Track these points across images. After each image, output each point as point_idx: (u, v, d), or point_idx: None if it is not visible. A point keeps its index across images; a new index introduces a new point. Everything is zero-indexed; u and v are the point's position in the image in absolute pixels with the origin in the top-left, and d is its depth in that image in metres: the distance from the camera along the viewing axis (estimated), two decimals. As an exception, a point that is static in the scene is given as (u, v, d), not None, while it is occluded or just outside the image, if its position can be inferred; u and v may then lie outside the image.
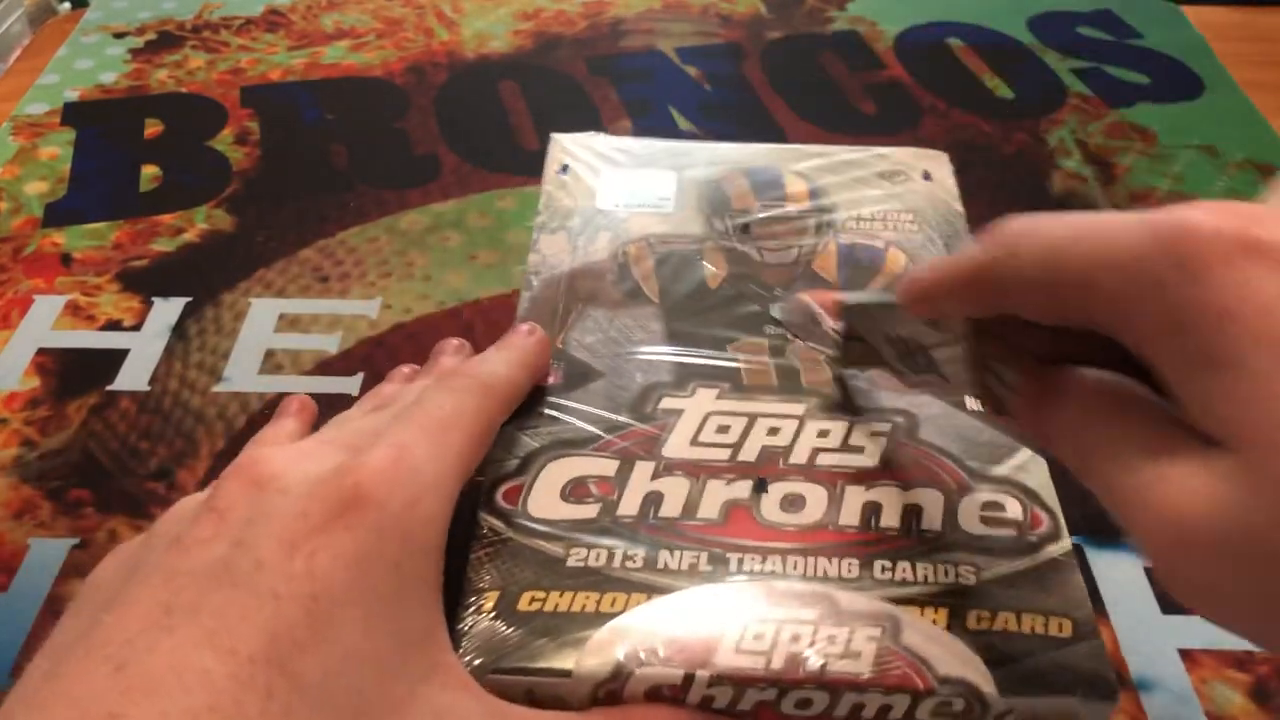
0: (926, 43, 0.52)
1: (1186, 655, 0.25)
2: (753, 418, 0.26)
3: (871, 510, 0.24)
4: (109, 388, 0.32)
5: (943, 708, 0.21)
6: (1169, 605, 0.26)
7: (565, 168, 0.34)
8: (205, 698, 0.17)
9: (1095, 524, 0.28)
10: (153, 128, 0.45)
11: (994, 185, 0.42)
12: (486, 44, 0.51)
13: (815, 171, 0.34)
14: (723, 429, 0.25)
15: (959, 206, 0.33)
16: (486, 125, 0.45)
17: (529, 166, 0.33)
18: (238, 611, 0.18)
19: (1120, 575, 0.27)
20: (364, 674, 0.19)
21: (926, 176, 0.34)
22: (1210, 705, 0.24)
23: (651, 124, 0.45)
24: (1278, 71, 0.50)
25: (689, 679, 0.20)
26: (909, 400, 0.26)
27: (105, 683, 0.17)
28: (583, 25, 0.53)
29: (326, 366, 0.33)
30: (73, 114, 0.46)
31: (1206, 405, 0.17)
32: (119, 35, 0.52)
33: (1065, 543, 0.23)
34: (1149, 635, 0.26)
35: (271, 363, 0.33)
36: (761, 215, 0.32)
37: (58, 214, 0.40)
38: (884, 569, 0.23)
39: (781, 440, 0.25)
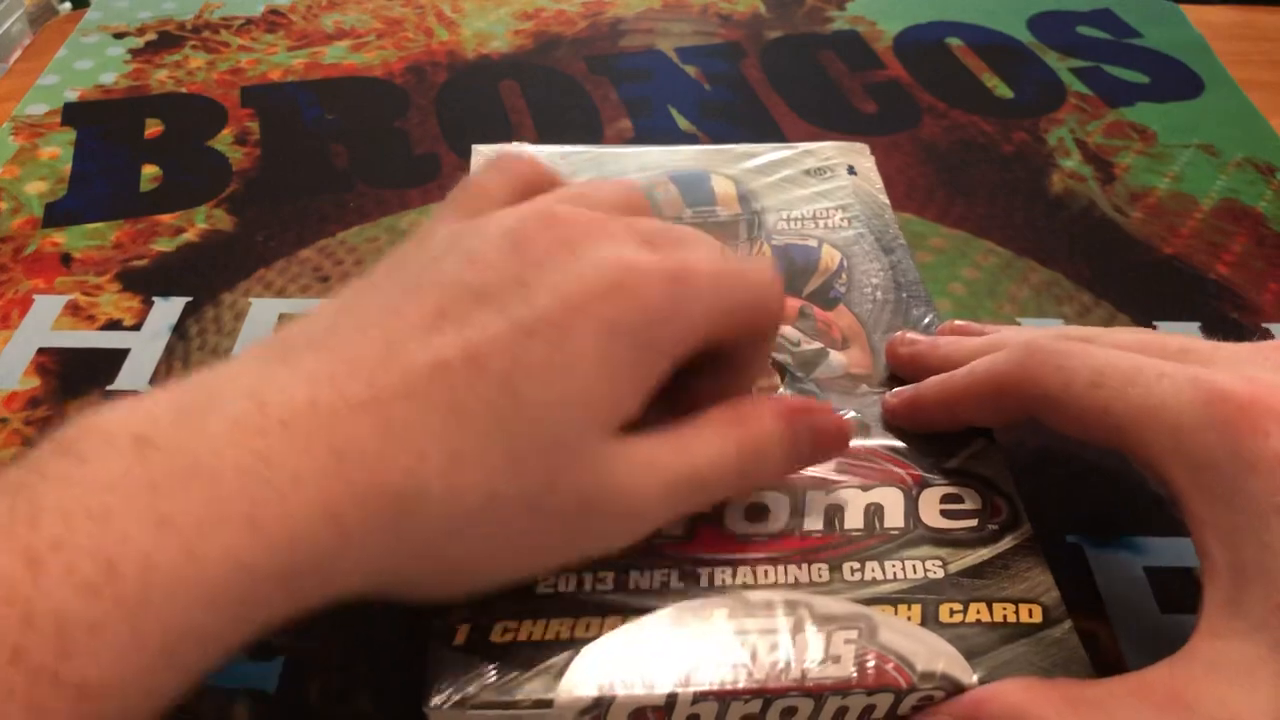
0: (926, 42, 0.52)
1: (1186, 654, 0.25)
2: None
3: (834, 513, 0.24)
4: (109, 388, 0.33)
5: (925, 701, 0.21)
6: (1169, 605, 0.26)
7: None
8: (437, 391, 0.19)
9: (1095, 524, 0.28)
10: (153, 128, 0.45)
11: (993, 185, 0.42)
12: (486, 44, 0.51)
13: (743, 174, 0.34)
14: None
15: (884, 198, 0.33)
16: (486, 125, 0.45)
17: (529, 166, 0.33)
18: (492, 333, 0.19)
19: (1120, 575, 0.27)
20: (573, 427, 0.20)
21: (851, 171, 0.34)
22: (1209, 704, 0.24)
23: (651, 124, 0.45)
24: (1278, 71, 0.50)
25: (672, 699, 0.20)
26: (857, 403, 0.27)
27: (367, 349, 0.19)
28: (583, 25, 0.53)
29: (326, 366, 0.33)
30: (73, 114, 0.46)
31: (1246, 583, 0.20)
32: (119, 35, 0.52)
33: (1026, 528, 0.24)
34: (1149, 635, 0.26)
35: (271, 362, 0.33)
36: (691, 222, 0.32)
37: (58, 214, 0.40)
38: (853, 570, 0.23)
39: None
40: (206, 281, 0.37)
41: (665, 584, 0.22)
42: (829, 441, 0.24)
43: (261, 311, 0.35)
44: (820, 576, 0.23)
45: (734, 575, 0.23)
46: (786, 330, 0.29)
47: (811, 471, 0.25)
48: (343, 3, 0.54)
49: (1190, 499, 0.21)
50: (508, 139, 0.44)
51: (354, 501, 0.17)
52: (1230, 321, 0.36)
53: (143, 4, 0.54)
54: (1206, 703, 0.19)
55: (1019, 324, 0.35)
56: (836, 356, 0.28)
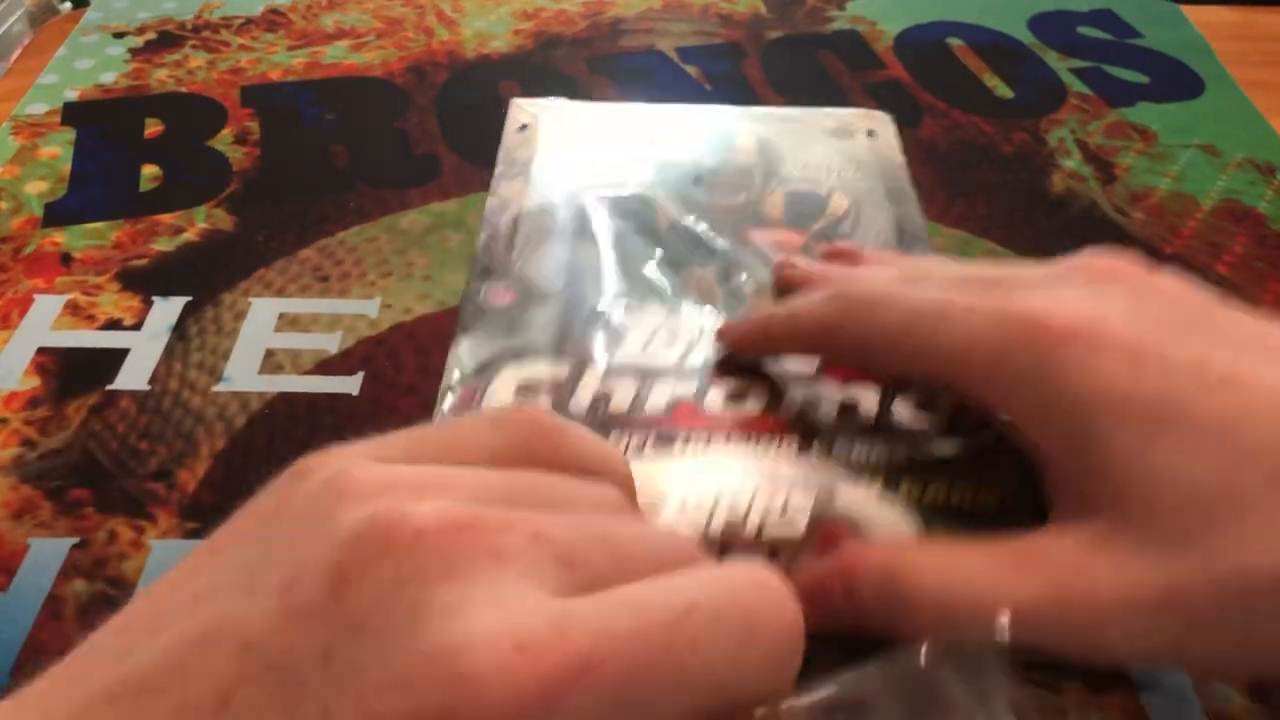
0: (926, 42, 0.52)
1: (1186, 655, 0.25)
2: (700, 331, 0.27)
3: (812, 403, 0.26)
4: (109, 387, 0.32)
5: None
6: (1169, 605, 0.26)
7: (524, 126, 0.36)
8: None
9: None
10: (153, 127, 0.45)
11: (994, 185, 0.42)
12: (487, 44, 0.51)
13: (765, 129, 0.36)
14: (671, 341, 0.27)
15: (901, 159, 0.35)
16: (486, 125, 0.45)
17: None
18: None
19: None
20: None
21: (871, 134, 0.36)
22: (1209, 704, 0.24)
23: (651, 124, 0.45)
24: (1278, 71, 0.50)
25: None
26: None
27: None
28: (583, 25, 0.53)
29: (326, 366, 0.33)
30: (73, 114, 0.46)
31: (1068, 476, 0.21)
32: (119, 35, 0.52)
33: (993, 430, 0.25)
34: (1149, 635, 0.26)
35: (271, 362, 0.33)
36: (711, 165, 0.33)
37: (58, 213, 0.40)
38: (822, 448, 0.25)
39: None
40: (206, 281, 0.37)
41: (641, 447, 0.24)
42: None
43: (261, 311, 0.35)
44: (789, 448, 0.24)
45: (707, 443, 0.24)
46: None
47: (794, 370, 0.27)
48: (343, 2, 0.54)
49: (1017, 417, 0.22)
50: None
51: None
52: (1231, 322, 0.36)
53: (142, 4, 0.54)
54: (1053, 562, 0.21)
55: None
56: None
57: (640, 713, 0.15)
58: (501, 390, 0.26)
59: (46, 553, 0.28)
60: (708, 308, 0.29)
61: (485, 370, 0.26)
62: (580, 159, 0.34)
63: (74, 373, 0.33)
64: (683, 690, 0.15)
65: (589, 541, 0.16)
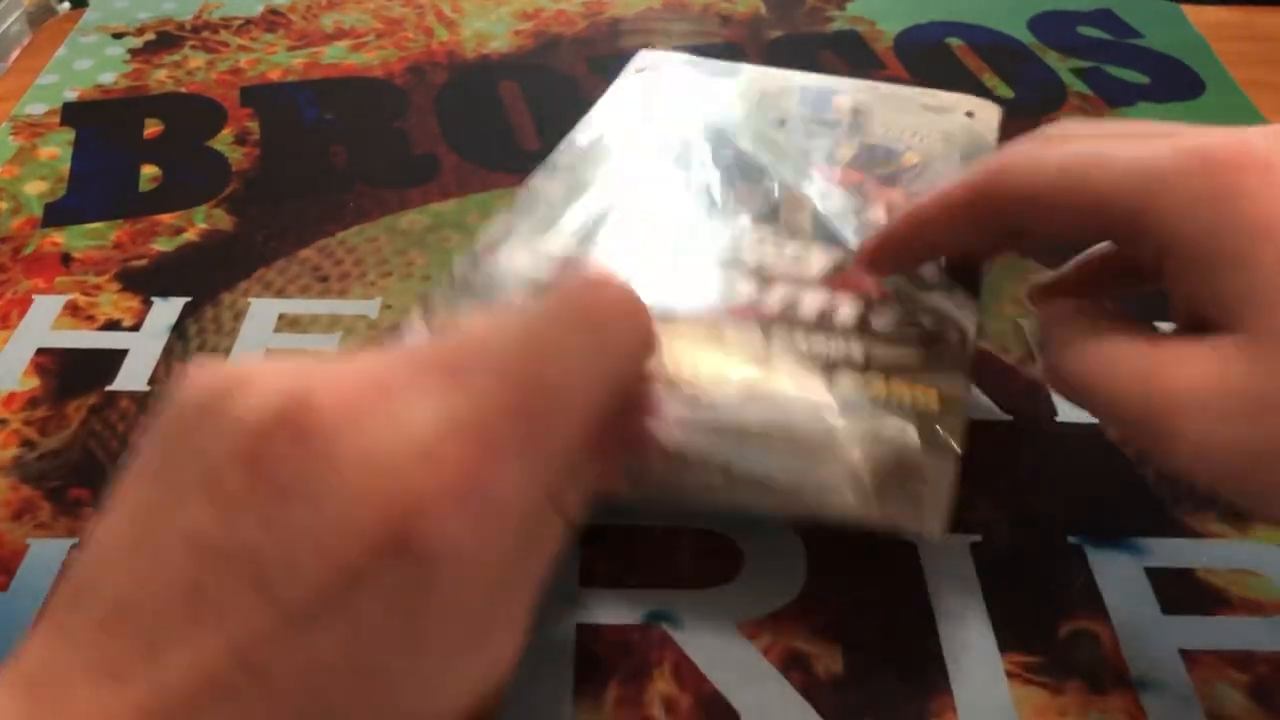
0: (926, 42, 0.52)
1: (1187, 655, 0.25)
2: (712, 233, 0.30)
3: (792, 302, 0.27)
4: (109, 388, 0.32)
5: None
6: (1170, 605, 0.26)
7: (640, 70, 0.37)
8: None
9: (1096, 525, 0.28)
10: (152, 127, 0.45)
11: (994, 185, 0.42)
12: (486, 44, 0.51)
13: (864, 96, 0.36)
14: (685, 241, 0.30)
15: (993, 141, 0.34)
16: (486, 125, 0.45)
17: (529, 166, 0.33)
18: (260, 628, 0.15)
19: (1120, 575, 0.27)
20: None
21: (969, 115, 0.35)
22: (1211, 705, 0.24)
23: (651, 124, 0.45)
24: (1278, 71, 0.50)
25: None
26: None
27: (125, 656, 0.16)
28: (583, 25, 0.53)
29: (326, 366, 0.33)
30: (72, 114, 0.46)
31: (1219, 298, 0.20)
32: (118, 35, 0.52)
33: (970, 345, 0.26)
34: (1149, 636, 0.26)
35: (271, 363, 0.33)
36: (801, 110, 0.33)
37: (57, 214, 0.40)
38: (785, 335, 0.26)
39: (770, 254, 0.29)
40: (206, 281, 0.37)
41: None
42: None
43: (261, 311, 0.35)
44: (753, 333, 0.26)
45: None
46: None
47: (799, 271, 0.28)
48: (342, 2, 0.54)
49: (1180, 239, 0.21)
50: (508, 139, 0.44)
51: None
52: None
53: (142, 4, 0.54)
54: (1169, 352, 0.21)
55: (1022, 324, 0.35)
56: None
57: (549, 436, 0.18)
58: (518, 257, 0.29)
59: (46, 553, 0.28)
60: (742, 216, 0.30)
61: (507, 239, 0.29)
62: (688, 95, 0.36)
63: (73, 373, 0.33)
64: (572, 395, 0.19)
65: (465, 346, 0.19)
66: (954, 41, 0.52)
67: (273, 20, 0.53)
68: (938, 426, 0.24)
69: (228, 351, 0.34)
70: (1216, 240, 0.20)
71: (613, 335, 0.20)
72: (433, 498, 0.16)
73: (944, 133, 0.34)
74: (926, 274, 0.28)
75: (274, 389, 0.17)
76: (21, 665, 0.16)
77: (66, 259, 0.38)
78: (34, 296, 0.36)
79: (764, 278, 0.28)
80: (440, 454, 0.16)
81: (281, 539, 0.16)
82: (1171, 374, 0.20)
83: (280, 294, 0.36)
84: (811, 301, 0.27)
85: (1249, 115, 0.46)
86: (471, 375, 0.18)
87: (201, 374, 0.18)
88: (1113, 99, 0.47)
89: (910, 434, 0.24)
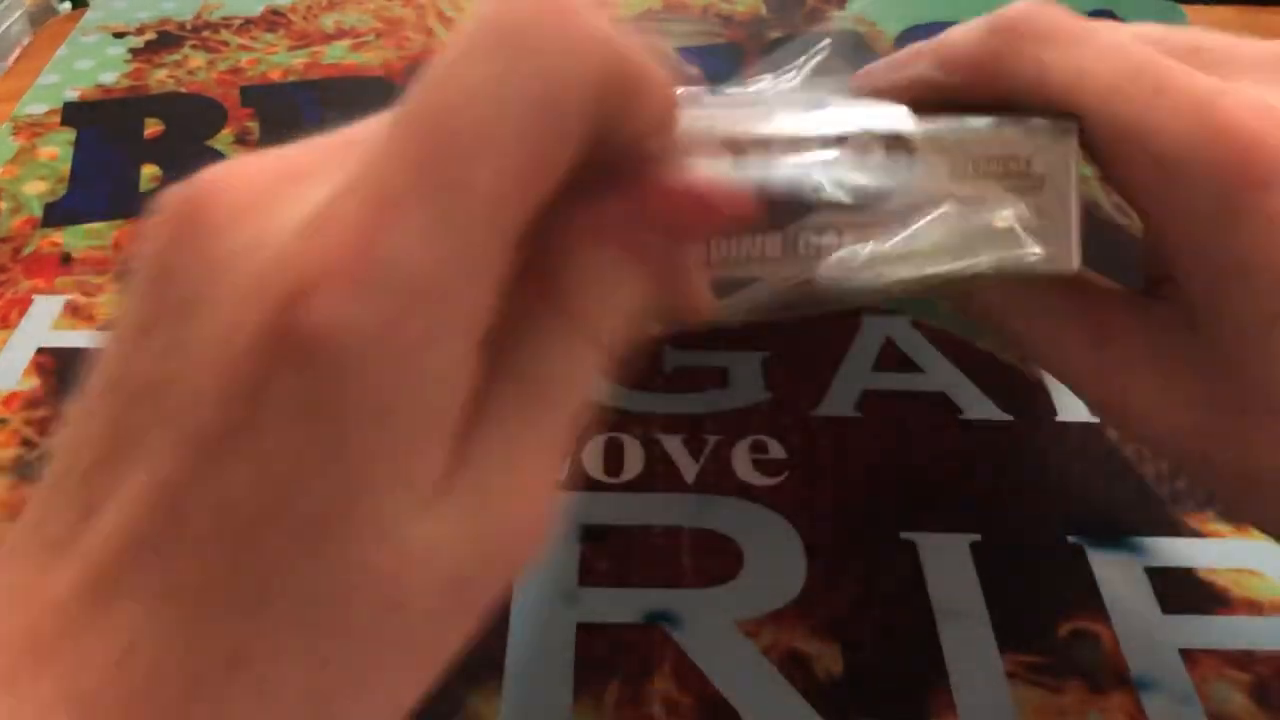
0: (927, 42, 0.52)
1: (1187, 655, 0.25)
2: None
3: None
4: (109, 388, 0.32)
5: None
6: (1170, 605, 0.26)
7: None
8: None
9: (1096, 524, 0.28)
10: (153, 127, 0.45)
11: (994, 185, 0.42)
12: (486, 44, 0.51)
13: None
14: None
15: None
16: (486, 125, 0.45)
17: (529, 166, 0.33)
18: (176, 464, 0.14)
19: (1120, 575, 0.27)
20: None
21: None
22: (1211, 705, 0.24)
23: (651, 124, 0.45)
24: (1278, 71, 0.50)
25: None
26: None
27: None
28: (583, 25, 0.53)
29: (326, 366, 0.33)
30: (73, 114, 0.46)
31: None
32: (119, 35, 0.52)
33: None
34: (1149, 636, 0.26)
35: (271, 363, 0.33)
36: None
37: (57, 214, 0.40)
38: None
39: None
40: (206, 281, 0.37)
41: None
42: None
43: (261, 311, 0.35)
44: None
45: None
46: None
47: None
48: (342, 2, 0.54)
49: (1173, 246, 0.19)
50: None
51: None
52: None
53: (142, 4, 0.54)
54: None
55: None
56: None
57: (464, 185, 0.14)
58: None
59: (46, 553, 0.28)
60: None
61: None
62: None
63: (74, 373, 0.33)
64: (490, 128, 0.14)
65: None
66: (954, 41, 0.52)
67: (273, 20, 0.53)
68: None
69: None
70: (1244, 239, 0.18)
71: (551, 57, 0.14)
72: (316, 276, 0.13)
73: None
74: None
75: (177, 194, 0.15)
76: None
77: (67, 259, 0.38)
78: (34, 296, 0.36)
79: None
80: (324, 225, 0.13)
81: (181, 362, 0.14)
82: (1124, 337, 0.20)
83: (280, 294, 0.36)
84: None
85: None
86: (371, 134, 0.15)
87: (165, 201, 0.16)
88: (1113, 99, 0.47)
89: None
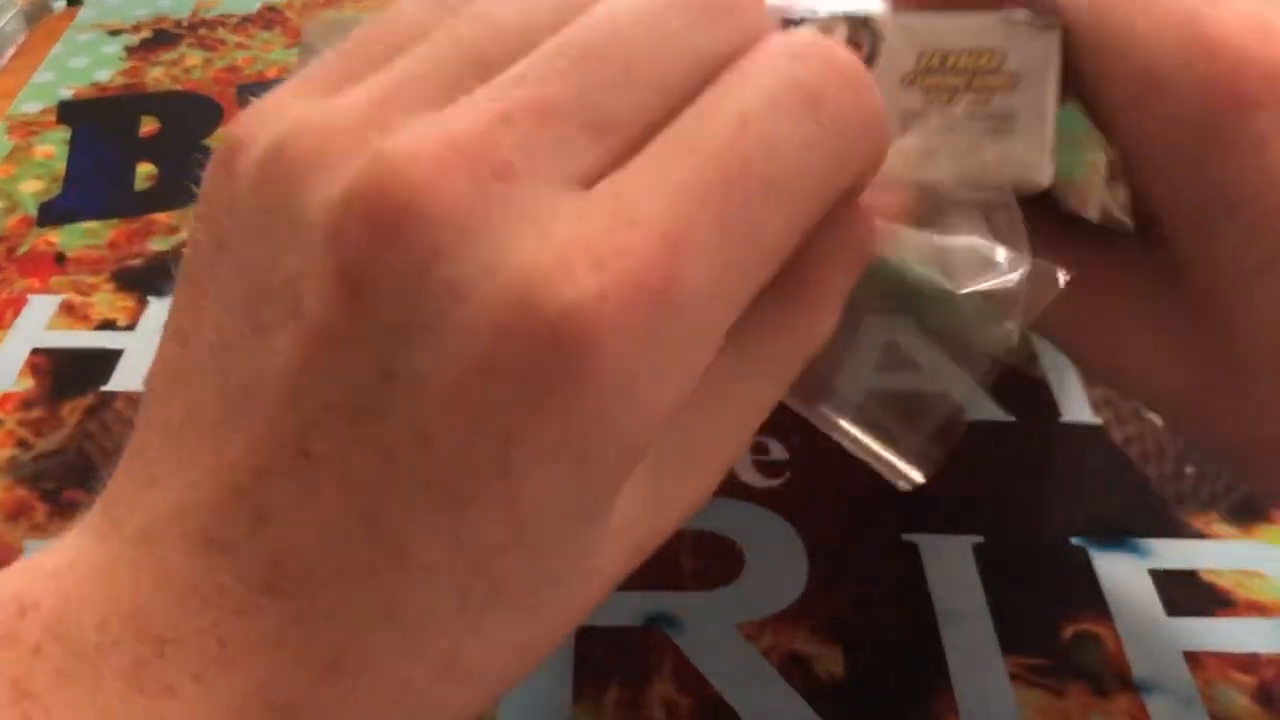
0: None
1: (1191, 658, 0.25)
2: None
3: None
4: (104, 388, 0.32)
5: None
6: (1174, 607, 0.26)
7: None
8: None
9: (1099, 526, 0.28)
10: (148, 126, 0.44)
11: (995, 183, 0.42)
12: (484, 42, 0.51)
13: None
14: None
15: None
16: (484, 123, 0.45)
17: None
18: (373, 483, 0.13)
19: (1123, 577, 0.27)
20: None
21: None
22: (1215, 707, 0.24)
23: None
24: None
25: None
26: None
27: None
28: (581, 23, 0.53)
29: (323, 366, 0.33)
30: (68, 112, 0.45)
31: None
32: (114, 33, 0.51)
33: None
34: (1152, 637, 0.25)
35: (268, 363, 0.33)
36: None
37: (52, 213, 0.40)
38: None
39: None
40: (202, 281, 0.36)
41: None
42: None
43: (258, 311, 0.35)
44: None
45: None
46: None
47: None
48: (339, 0, 0.54)
49: (1154, 179, 0.17)
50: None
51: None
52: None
53: (138, 1, 0.54)
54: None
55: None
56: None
57: (754, 252, 0.14)
58: None
59: (41, 555, 0.28)
60: None
61: None
62: None
63: (68, 373, 0.33)
64: (778, 203, 0.14)
65: (603, 84, 0.13)
66: (954, 39, 0.51)
67: (269, 18, 0.52)
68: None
69: (224, 351, 0.33)
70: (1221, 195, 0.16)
71: (845, 132, 0.14)
72: (609, 332, 0.12)
73: None
74: None
75: (365, 185, 0.13)
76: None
77: (61, 258, 0.37)
78: (29, 296, 0.36)
79: None
80: (611, 258, 0.12)
81: (403, 390, 0.13)
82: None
83: (277, 293, 0.36)
84: None
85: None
86: (644, 126, 0.14)
87: (245, 137, 0.15)
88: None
89: None
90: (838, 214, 0.16)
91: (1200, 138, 0.16)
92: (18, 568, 0.14)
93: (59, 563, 0.14)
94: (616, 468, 0.13)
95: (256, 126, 0.15)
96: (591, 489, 0.13)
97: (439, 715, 0.14)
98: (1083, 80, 0.18)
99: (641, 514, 0.15)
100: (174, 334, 0.15)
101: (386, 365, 0.12)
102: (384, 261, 0.12)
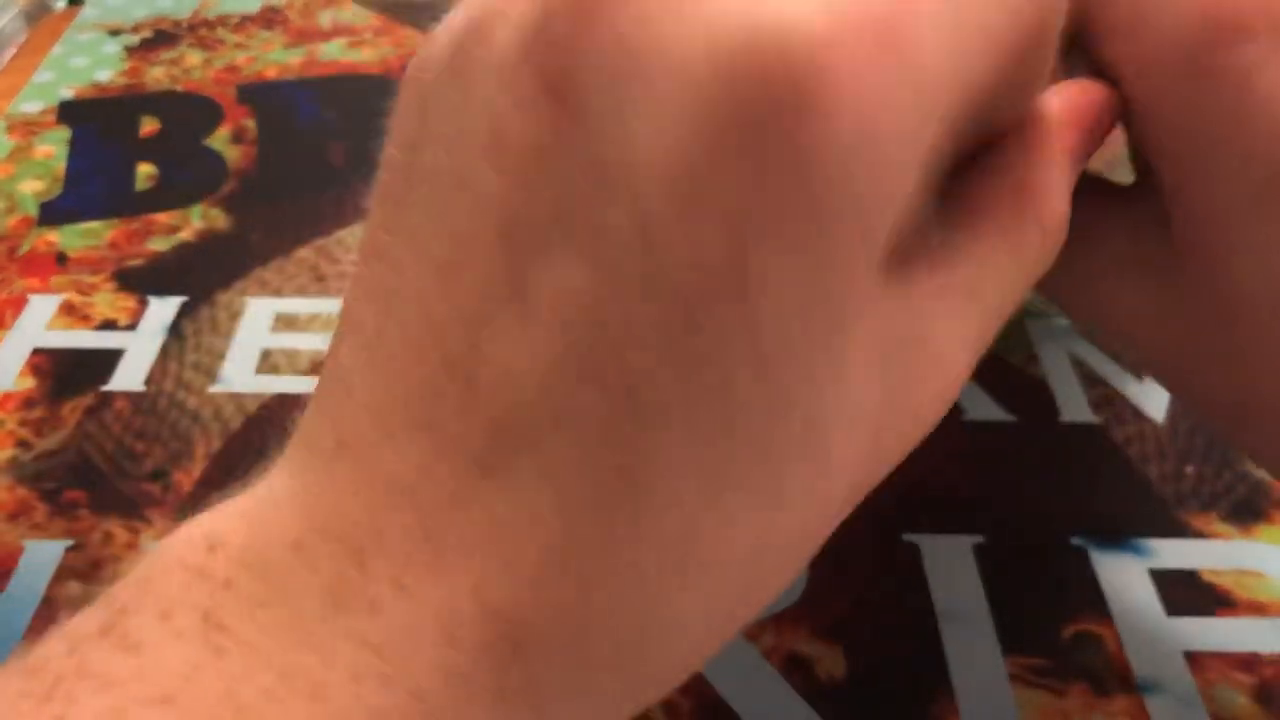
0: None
1: (1192, 658, 0.25)
2: None
3: None
4: (104, 388, 0.32)
5: None
6: (1174, 607, 0.26)
7: None
8: None
9: (1099, 526, 0.28)
10: (149, 126, 0.45)
11: (995, 183, 0.42)
12: (484, 41, 0.51)
13: None
14: None
15: None
16: (485, 123, 0.45)
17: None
18: (590, 299, 0.11)
19: (1123, 577, 0.27)
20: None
21: None
22: (1216, 708, 0.24)
23: (651, 122, 0.45)
24: None
25: None
26: None
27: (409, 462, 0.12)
28: (581, 22, 0.53)
29: (324, 367, 0.33)
30: (68, 112, 0.46)
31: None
32: (114, 33, 0.51)
33: None
34: (1153, 638, 0.25)
35: (268, 363, 0.33)
36: None
37: (53, 213, 0.40)
38: None
39: None
40: (202, 281, 0.36)
41: None
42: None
43: (257, 311, 0.35)
44: None
45: None
46: None
47: None
48: (340, 0, 0.54)
49: (1142, 116, 0.16)
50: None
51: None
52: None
53: (138, 1, 0.54)
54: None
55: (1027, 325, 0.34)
56: None
57: (977, 29, 0.12)
58: None
59: (42, 555, 0.28)
60: None
61: None
62: None
63: (69, 373, 0.33)
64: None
65: None
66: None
67: (270, 18, 0.52)
68: None
69: (224, 352, 0.33)
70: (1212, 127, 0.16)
71: None
72: (828, 23, 0.10)
73: None
74: None
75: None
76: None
77: (62, 258, 0.37)
78: (29, 296, 0.36)
79: None
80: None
81: (605, 164, 0.11)
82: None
83: (277, 293, 0.36)
84: None
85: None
86: None
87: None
88: (1114, 97, 0.47)
89: None
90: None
91: (1190, 69, 0.15)
92: (206, 514, 0.13)
93: (247, 504, 0.13)
94: (858, 262, 0.12)
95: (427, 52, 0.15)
96: (833, 292, 0.11)
97: (661, 638, 0.12)
98: (1075, 11, 0.17)
99: (876, 398, 0.13)
100: (372, 251, 0.14)
101: (597, 156, 0.11)
102: (584, 48, 0.11)
